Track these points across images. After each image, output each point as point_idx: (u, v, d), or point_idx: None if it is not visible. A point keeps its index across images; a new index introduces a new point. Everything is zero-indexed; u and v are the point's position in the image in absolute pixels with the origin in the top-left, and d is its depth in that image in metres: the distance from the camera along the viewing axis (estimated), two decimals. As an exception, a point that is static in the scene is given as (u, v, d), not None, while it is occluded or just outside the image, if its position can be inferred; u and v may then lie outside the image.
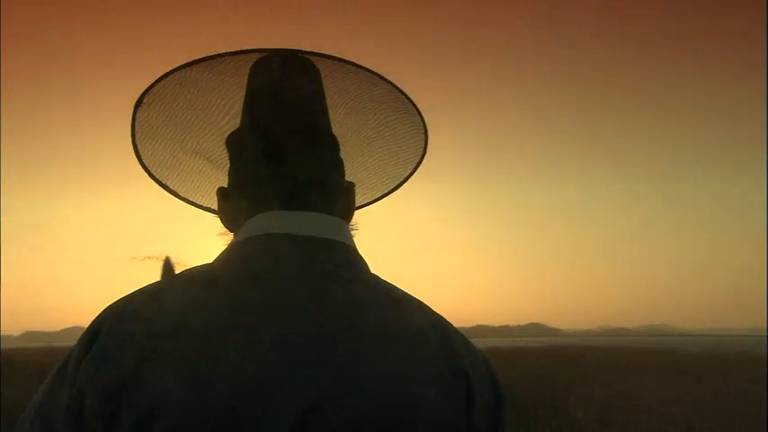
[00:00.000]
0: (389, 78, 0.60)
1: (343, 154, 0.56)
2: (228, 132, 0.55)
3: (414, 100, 0.61)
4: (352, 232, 0.54)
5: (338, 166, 0.55)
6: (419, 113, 0.63)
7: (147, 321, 0.41)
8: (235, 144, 0.54)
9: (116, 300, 0.44)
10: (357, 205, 0.58)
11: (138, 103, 0.57)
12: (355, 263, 0.49)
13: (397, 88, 0.60)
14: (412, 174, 0.68)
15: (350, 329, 0.42)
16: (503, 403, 0.47)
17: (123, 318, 0.41)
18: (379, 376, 0.41)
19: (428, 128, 0.65)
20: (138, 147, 0.60)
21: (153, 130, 0.60)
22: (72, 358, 0.40)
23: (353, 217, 0.56)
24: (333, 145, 0.55)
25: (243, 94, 0.55)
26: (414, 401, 0.41)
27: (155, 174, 0.62)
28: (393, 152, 0.66)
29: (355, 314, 0.44)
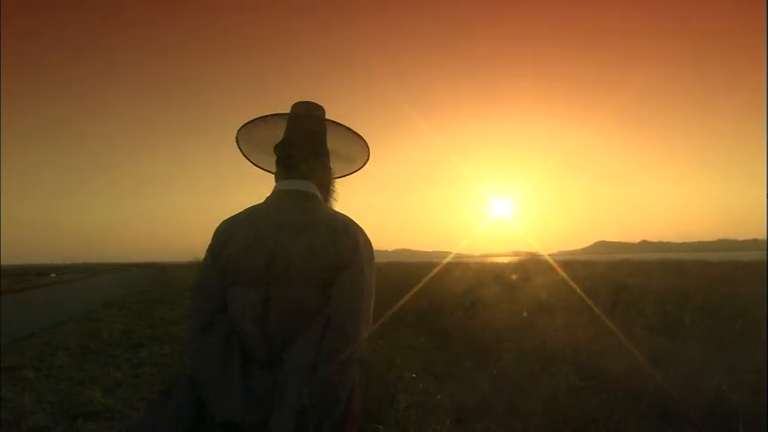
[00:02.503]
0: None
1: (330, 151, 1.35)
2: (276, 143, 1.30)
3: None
4: (334, 195, 1.38)
5: (323, 159, 1.31)
6: (365, 142, 1.38)
7: (229, 226, 1.19)
8: (276, 149, 1.28)
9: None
10: (336, 176, 1.40)
11: (243, 127, 1.36)
12: (312, 200, 1.22)
13: (355, 132, 1.35)
14: (361, 166, 1.46)
15: (292, 223, 1.14)
16: (358, 248, 1.14)
17: (226, 225, 1.21)
18: (299, 242, 1.11)
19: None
20: (243, 149, 1.41)
21: (250, 138, 1.38)
22: (211, 246, 1.19)
23: (334, 183, 1.37)
24: (324, 150, 1.32)
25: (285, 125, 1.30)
26: (316, 255, 1.10)
27: (252, 160, 1.43)
28: (350, 153, 1.41)
29: (297, 217, 1.16)
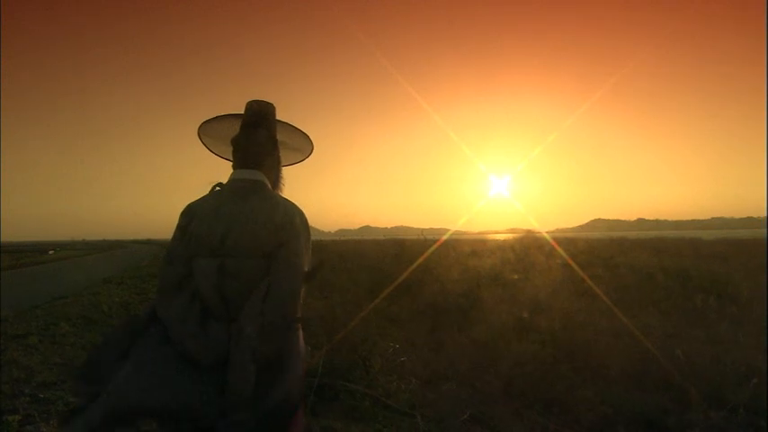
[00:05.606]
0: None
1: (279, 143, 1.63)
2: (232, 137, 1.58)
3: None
4: (282, 181, 1.65)
5: (273, 151, 1.58)
6: (308, 136, 1.75)
7: (194, 208, 1.47)
8: (232, 142, 1.57)
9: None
10: (284, 164, 1.68)
11: (203, 123, 1.70)
12: (259, 186, 1.48)
13: (300, 130, 1.72)
14: (307, 156, 1.83)
15: (242, 206, 1.42)
16: (295, 226, 1.42)
17: (190, 207, 1.48)
18: (247, 221, 1.40)
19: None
20: (203, 139, 1.73)
21: (211, 132, 1.71)
22: (179, 224, 1.48)
23: (281, 173, 1.65)
24: (274, 143, 1.58)
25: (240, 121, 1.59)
26: (262, 232, 1.39)
27: (214, 151, 1.75)
28: (298, 145, 1.77)
29: (246, 201, 1.43)
